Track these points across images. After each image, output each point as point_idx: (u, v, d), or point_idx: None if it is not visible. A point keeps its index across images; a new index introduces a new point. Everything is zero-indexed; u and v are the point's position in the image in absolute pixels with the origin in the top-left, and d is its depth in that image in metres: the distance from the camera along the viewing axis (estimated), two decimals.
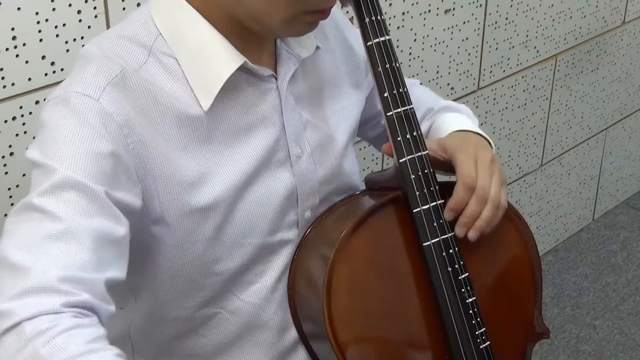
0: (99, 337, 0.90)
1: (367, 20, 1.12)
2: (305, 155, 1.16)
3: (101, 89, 1.01)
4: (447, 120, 1.29)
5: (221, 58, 1.07)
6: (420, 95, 1.39)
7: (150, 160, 1.04)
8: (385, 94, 1.13)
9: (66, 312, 0.89)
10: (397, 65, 1.14)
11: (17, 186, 1.54)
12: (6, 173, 1.52)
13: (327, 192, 1.21)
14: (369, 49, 1.13)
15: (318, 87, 1.20)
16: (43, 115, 1.02)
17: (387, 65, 1.13)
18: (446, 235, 1.14)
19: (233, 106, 1.10)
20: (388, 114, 1.13)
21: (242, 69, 1.08)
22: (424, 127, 1.31)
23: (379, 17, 1.12)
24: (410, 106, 1.14)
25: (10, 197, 1.54)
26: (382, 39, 1.13)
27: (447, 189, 1.16)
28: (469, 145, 1.18)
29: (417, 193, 1.12)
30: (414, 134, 1.13)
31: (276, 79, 1.13)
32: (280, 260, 1.18)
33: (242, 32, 1.08)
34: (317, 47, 1.18)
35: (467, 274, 1.15)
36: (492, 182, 1.15)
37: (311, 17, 1.05)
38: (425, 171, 1.13)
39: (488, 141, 1.25)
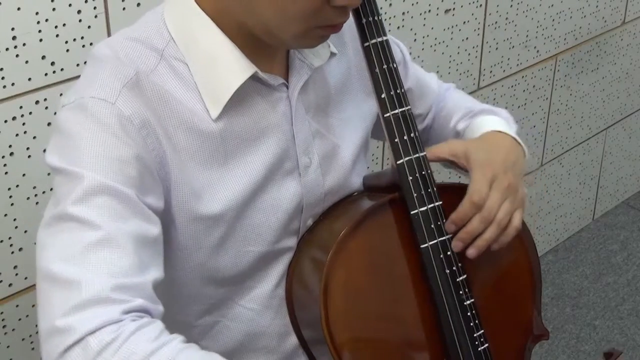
0: (162, 331, 0.91)
1: (364, 20, 1.12)
2: (313, 165, 1.15)
3: (117, 93, 1.00)
4: (484, 121, 1.28)
5: (232, 67, 1.05)
6: (459, 98, 1.38)
7: (166, 161, 1.04)
8: (383, 95, 1.13)
9: (125, 319, 0.90)
10: (395, 66, 1.13)
11: (17, 186, 1.54)
12: (6, 173, 1.52)
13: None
14: (366, 50, 1.12)
15: (327, 95, 1.18)
16: (60, 121, 1.01)
17: (385, 66, 1.12)
18: (444, 238, 1.13)
19: (243, 116, 1.08)
20: (385, 115, 1.13)
21: (253, 77, 1.07)
22: (460, 127, 1.31)
23: (376, 18, 1.12)
24: (408, 107, 1.13)
25: (10, 197, 1.54)
26: (380, 39, 1.12)
27: (445, 191, 1.15)
28: (492, 163, 1.16)
29: (415, 195, 1.12)
30: (412, 135, 1.13)
31: (287, 88, 1.12)
32: (280, 266, 1.17)
33: (253, 41, 1.06)
34: (332, 54, 1.16)
35: (465, 276, 1.15)
36: (502, 205, 1.14)
37: (324, 31, 1.04)
38: (423, 173, 1.13)
39: (522, 146, 1.24)
